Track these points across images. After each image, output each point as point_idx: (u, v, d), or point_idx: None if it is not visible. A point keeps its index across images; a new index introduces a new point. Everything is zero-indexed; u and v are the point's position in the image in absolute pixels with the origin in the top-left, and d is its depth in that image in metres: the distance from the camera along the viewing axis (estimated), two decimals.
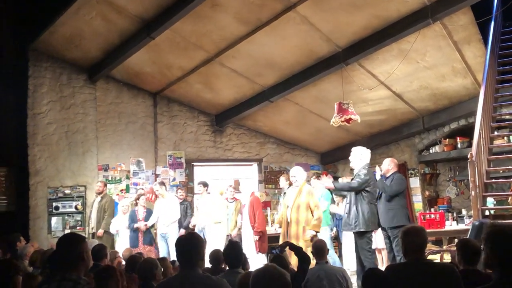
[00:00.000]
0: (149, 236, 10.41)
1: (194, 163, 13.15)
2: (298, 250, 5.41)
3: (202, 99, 12.58)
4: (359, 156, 7.78)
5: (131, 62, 10.95)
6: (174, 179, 12.65)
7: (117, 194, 11.78)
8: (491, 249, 3.01)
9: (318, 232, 8.11)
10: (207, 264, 6.07)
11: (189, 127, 13.07)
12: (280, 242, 7.94)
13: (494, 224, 3.21)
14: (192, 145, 13.05)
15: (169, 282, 3.89)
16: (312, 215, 7.99)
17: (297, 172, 8.45)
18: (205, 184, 11.14)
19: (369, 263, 7.15)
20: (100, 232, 10.37)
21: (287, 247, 5.56)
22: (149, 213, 10.48)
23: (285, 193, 8.86)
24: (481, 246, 3.28)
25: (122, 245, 9.92)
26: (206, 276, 3.75)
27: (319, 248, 5.67)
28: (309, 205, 8.03)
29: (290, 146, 14.23)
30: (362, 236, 7.43)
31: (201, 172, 13.30)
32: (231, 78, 11.22)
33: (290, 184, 9.02)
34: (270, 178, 13.80)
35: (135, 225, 10.19)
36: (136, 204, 10.58)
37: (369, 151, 7.94)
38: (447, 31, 9.05)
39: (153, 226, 10.63)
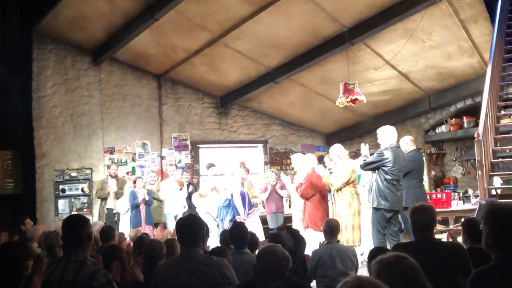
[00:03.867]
0: (151, 216, 10.48)
1: (200, 145, 13.15)
2: (294, 233, 5.44)
3: (207, 81, 12.53)
4: (383, 137, 7.63)
5: (135, 44, 10.89)
6: (179, 161, 12.65)
7: (123, 177, 11.79)
8: (491, 229, 2.93)
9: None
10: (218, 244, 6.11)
11: (194, 109, 13.05)
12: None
13: (492, 203, 3.15)
14: (197, 127, 13.05)
15: (171, 262, 3.97)
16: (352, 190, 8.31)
17: (339, 150, 8.66)
18: (212, 165, 11.34)
19: (377, 243, 7.06)
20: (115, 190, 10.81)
21: (285, 229, 5.62)
22: (149, 194, 10.50)
23: (331, 172, 8.86)
24: (480, 226, 3.21)
25: (124, 225, 10.16)
26: (206, 256, 3.84)
27: (332, 227, 5.66)
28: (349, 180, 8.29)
29: (296, 127, 14.20)
30: (374, 213, 7.32)
31: (206, 154, 13.32)
32: (236, 59, 11.16)
33: None
34: (275, 159, 13.79)
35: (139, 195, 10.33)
36: (134, 187, 10.61)
37: (393, 128, 7.64)
38: (454, 9, 8.95)
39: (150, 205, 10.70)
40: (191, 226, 3.87)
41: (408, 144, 8.36)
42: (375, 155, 7.50)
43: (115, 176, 11.20)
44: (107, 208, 10.85)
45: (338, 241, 5.80)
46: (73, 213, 11.21)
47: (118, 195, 10.77)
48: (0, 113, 11.22)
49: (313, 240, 7.74)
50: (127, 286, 4.59)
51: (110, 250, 4.94)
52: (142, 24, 9.84)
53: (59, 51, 11.60)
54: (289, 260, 3.48)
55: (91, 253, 3.88)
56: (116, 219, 10.61)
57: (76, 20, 10.50)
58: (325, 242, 5.75)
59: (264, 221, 10.28)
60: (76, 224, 3.57)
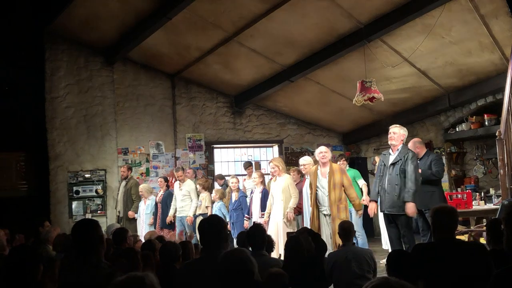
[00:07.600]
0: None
1: (214, 145, 13.05)
2: (315, 237, 5.37)
3: (221, 80, 12.42)
4: (401, 137, 7.45)
5: (148, 44, 10.81)
6: (194, 162, 12.54)
7: (138, 178, 11.72)
8: None
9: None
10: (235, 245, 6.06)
11: (208, 108, 12.93)
12: (309, 223, 7.89)
13: None
14: (211, 127, 12.93)
15: (195, 263, 3.97)
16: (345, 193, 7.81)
17: (324, 149, 8.11)
18: (250, 164, 11.13)
19: (413, 242, 6.88)
20: (132, 213, 10.52)
21: (305, 232, 5.53)
22: (169, 195, 10.47)
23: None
24: (502, 227, 3.10)
25: (140, 229, 10.15)
26: None
27: (346, 230, 5.55)
28: (342, 184, 7.74)
29: (312, 126, 14.01)
30: (405, 218, 7.07)
31: (221, 154, 13.21)
32: (250, 58, 11.03)
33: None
34: (291, 159, 13.61)
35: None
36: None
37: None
38: (474, 4, 8.71)
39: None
40: (213, 227, 3.84)
41: (420, 147, 8.25)
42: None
43: (126, 177, 11.01)
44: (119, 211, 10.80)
45: (354, 243, 5.70)
46: (87, 214, 11.24)
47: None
48: (13, 114, 11.20)
49: None
50: None
51: (126, 253, 4.87)
52: (155, 23, 9.76)
53: (72, 51, 11.59)
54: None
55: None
56: (121, 222, 10.49)
57: (89, 20, 10.46)
58: (341, 245, 5.65)
59: None
60: (86, 228, 3.62)
